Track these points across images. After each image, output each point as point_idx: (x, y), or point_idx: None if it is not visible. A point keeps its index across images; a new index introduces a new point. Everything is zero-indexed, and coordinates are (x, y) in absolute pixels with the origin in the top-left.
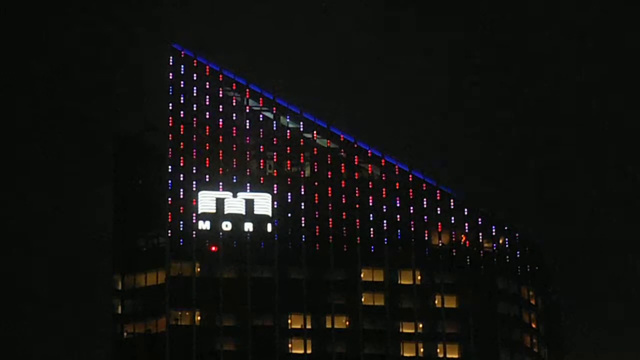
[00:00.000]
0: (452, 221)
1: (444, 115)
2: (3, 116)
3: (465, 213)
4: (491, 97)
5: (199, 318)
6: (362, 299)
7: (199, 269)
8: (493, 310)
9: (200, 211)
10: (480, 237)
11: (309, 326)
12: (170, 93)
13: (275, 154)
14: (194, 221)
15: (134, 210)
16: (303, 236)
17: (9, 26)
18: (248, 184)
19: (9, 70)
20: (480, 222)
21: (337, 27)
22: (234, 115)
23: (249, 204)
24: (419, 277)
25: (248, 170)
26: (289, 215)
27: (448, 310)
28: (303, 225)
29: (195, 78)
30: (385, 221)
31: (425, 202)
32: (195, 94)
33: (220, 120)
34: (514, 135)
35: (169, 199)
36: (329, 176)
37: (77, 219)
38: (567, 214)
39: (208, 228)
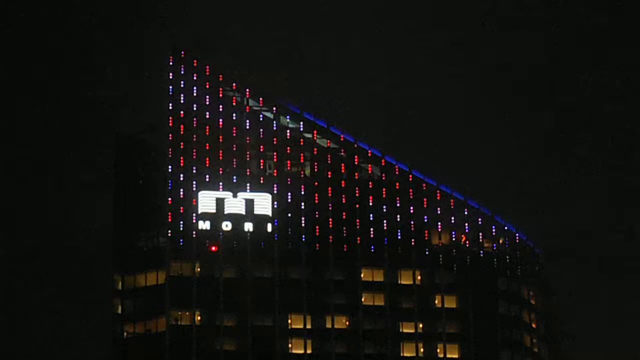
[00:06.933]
0: (452, 221)
1: (443, 115)
2: (3, 117)
3: (465, 213)
4: (492, 98)
5: (199, 318)
6: (362, 299)
7: (199, 269)
8: (493, 310)
9: (200, 211)
10: (480, 237)
11: (309, 326)
12: (170, 93)
13: (275, 154)
14: (194, 221)
15: (134, 210)
16: (303, 236)
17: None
18: (248, 184)
19: (9, 71)
20: (480, 222)
21: (337, 27)
22: (234, 115)
23: (249, 204)
24: (419, 277)
25: (248, 170)
26: (289, 215)
27: (448, 310)
28: (303, 225)
29: (195, 78)
30: (385, 221)
31: (425, 202)
32: (195, 94)
33: (220, 120)
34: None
35: (169, 199)
36: (329, 176)
37: (77, 218)
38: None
39: (208, 228)
